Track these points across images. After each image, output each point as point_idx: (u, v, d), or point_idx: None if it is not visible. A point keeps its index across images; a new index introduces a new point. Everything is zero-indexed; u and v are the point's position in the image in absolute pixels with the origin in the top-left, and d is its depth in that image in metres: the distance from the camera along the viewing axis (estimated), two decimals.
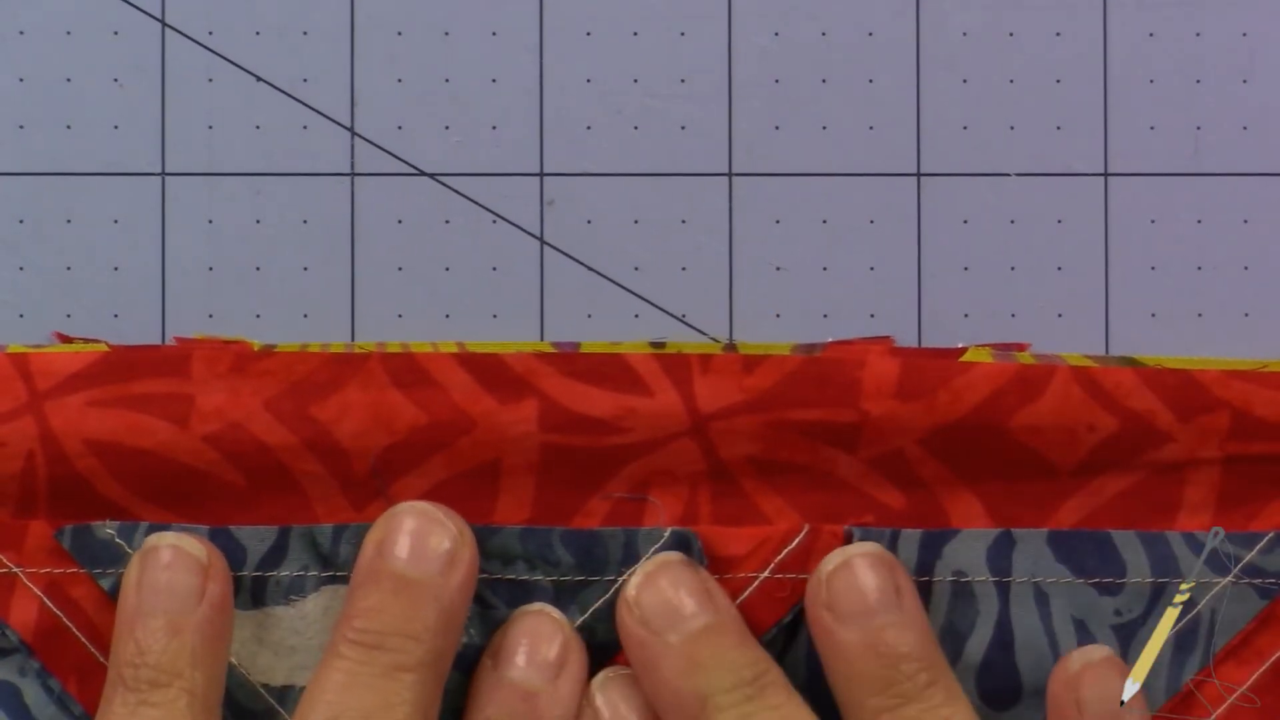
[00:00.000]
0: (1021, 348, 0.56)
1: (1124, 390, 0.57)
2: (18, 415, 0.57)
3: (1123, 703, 0.57)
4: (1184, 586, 0.58)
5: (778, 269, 0.66)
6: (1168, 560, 0.57)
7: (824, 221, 0.66)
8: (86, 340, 0.56)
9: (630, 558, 0.58)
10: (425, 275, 0.66)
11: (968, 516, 0.58)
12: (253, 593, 0.58)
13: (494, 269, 0.66)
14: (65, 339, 0.56)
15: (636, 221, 0.66)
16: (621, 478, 0.58)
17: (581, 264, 0.66)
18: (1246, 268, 0.66)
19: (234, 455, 0.57)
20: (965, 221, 0.66)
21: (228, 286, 0.66)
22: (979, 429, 0.57)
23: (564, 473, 0.58)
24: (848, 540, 0.57)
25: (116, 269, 0.65)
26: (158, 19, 0.66)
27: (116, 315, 0.65)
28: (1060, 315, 0.66)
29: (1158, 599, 0.57)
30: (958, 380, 0.56)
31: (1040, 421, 0.57)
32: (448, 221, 0.66)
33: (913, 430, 0.57)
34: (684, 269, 0.66)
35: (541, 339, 0.66)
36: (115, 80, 0.66)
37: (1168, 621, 0.58)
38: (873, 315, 0.66)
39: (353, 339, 0.66)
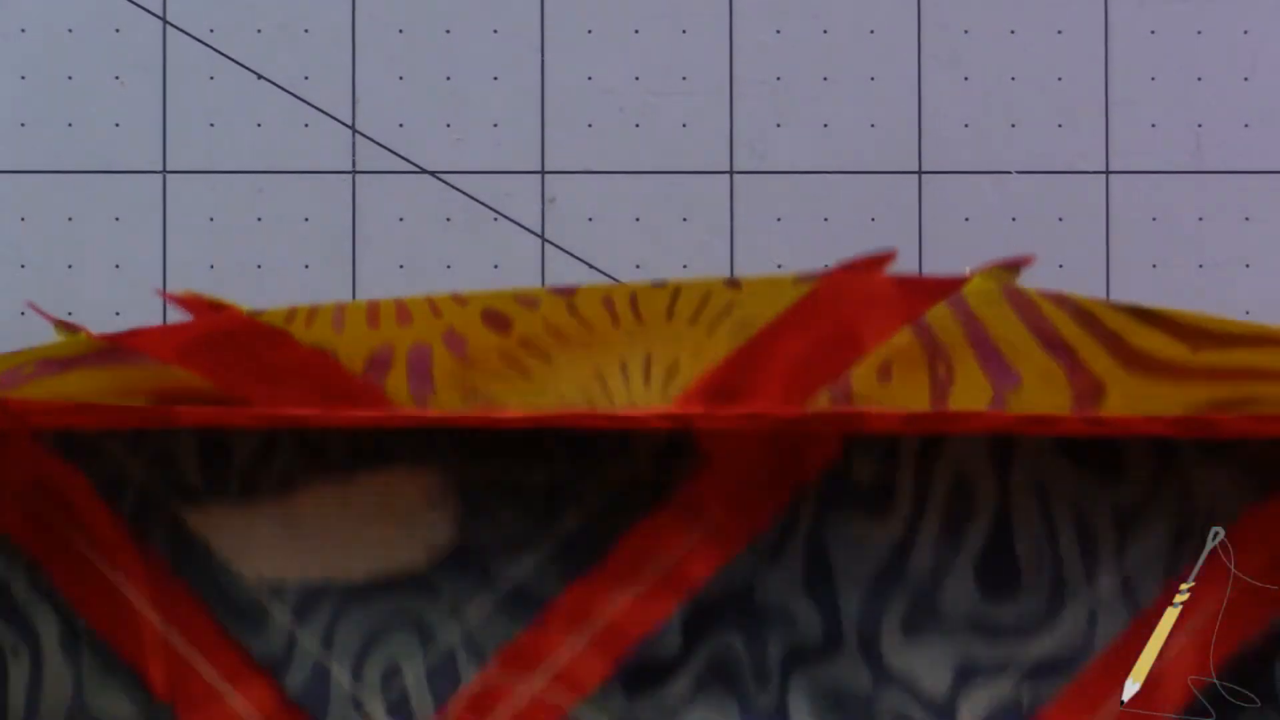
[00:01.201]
0: (1026, 260, 0.54)
1: None
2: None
3: (1123, 703, 0.57)
4: (1184, 587, 0.58)
5: (779, 267, 0.66)
6: (1169, 452, 0.56)
7: (825, 219, 0.66)
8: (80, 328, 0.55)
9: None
10: (426, 273, 0.66)
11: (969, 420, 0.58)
12: (242, 488, 0.58)
13: (495, 266, 0.66)
14: (67, 326, 0.55)
15: (638, 219, 0.66)
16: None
17: (583, 261, 0.66)
18: (1248, 265, 0.66)
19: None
20: (966, 219, 0.66)
21: (229, 284, 0.66)
22: None
23: None
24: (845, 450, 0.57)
25: (118, 267, 0.65)
26: (159, 17, 0.66)
27: (118, 313, 0.65)
28: None
29: (1159, 487, 0.57)
30: None
31: None
32: (449, 219, 0.66)
33: None
34: (685, 266, 0.66)
35: None
36: (116, 78, 0.66)
37: (1168, 621, 0.58)
38: None
39: None
